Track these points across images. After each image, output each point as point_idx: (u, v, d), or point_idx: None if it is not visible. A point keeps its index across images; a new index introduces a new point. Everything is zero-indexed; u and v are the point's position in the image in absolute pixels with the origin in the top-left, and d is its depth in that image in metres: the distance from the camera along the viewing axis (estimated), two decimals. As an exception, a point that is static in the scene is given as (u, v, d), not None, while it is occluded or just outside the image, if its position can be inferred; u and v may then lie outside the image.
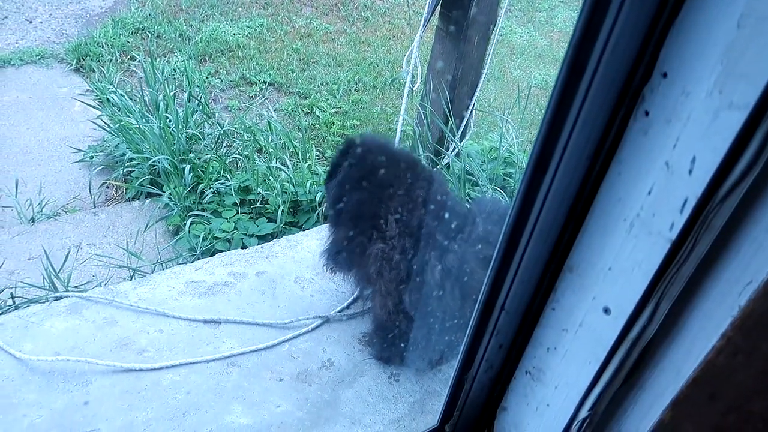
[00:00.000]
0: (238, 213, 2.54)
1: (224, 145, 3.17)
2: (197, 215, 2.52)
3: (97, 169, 3.04)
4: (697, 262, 0.59)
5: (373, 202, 1.32)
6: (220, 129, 3.14)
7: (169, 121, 2.99)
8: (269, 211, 2.56)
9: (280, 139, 3.12)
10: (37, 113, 3.49)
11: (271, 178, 2.71)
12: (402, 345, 1.36)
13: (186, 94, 3.33)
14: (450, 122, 2.72)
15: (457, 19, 2.50)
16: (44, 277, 1.99)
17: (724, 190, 0.52)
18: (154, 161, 2.77)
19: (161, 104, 3.09)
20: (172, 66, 4.02)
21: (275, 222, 2.47)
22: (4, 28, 4.42)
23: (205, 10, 4.94)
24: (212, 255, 1.80)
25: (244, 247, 2.24)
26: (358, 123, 3.85)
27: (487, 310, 0.84)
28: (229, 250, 2.15)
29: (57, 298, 1.52)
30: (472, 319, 0.87)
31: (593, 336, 0.73)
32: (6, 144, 3.18)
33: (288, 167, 2.76)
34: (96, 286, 1.66)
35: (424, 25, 2.54)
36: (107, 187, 2.98)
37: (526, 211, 0.71)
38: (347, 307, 1.56)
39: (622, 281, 0.66)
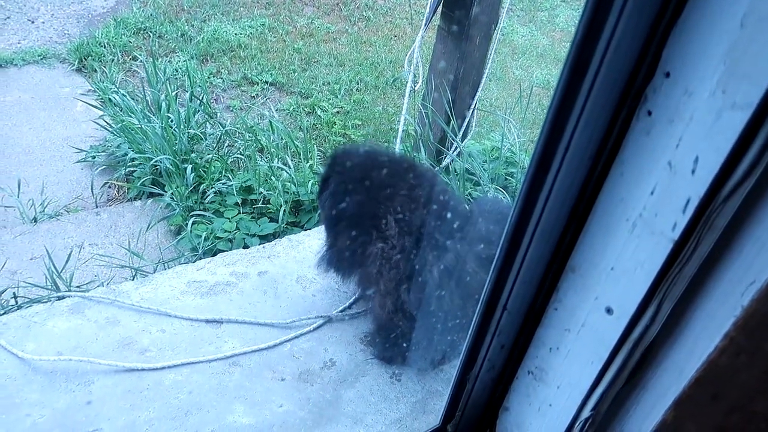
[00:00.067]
0: (239, 213, 2.54)
1: (226, 145, 3.17)
2: (199, 215, 2.53)
3: (99, 169, 3.04)
4: (699, 262, 0.59)
5: (365, 208, 1.34)
6: (221, 129, 3.14)
7: (171, 121, 3.00)
8: (271, 210, 2.56)
9: (282, 138, 3.12)
10: (40, 113, 3.50)
11: (272, 177, 2.71)
12: (404, 345, 1.36)
13: (188, 94, 3.33)
14: (452, 122, 2.72)
15: (459, 18, 2.50)
16: (46, 277, 2.00)
17: (727, 189, 0.52)
18: (156, 161, 2.77)
19: (163, 104, 3.10)
20: (174, 66, 4.03)
21: (277, 222, 2.48)
22: (7, 28, 4.43)
23: (207, 10, 4.94)
24: (214, 255, 1.80)
25: (245, 246, 2.24)
26: (360, 123, 3.85)
27: (489, 310, 0.84)
28: (231, 249, 2.15)
29: (59, 298, 1.52)
30: (474, 319, 0.87)
31: (596, 336, 0.73)
32: (8, 144, 3.19)
33: (290, 167, 2.76)
34: (98, 286, 1.66)
35: (425, 25, 2.54)
36: (109, 187, 2.98)
37: (528, 210, 0.71)
38: (349, 307, 1.56)
39: (624, 281, 0.66)
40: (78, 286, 2.05)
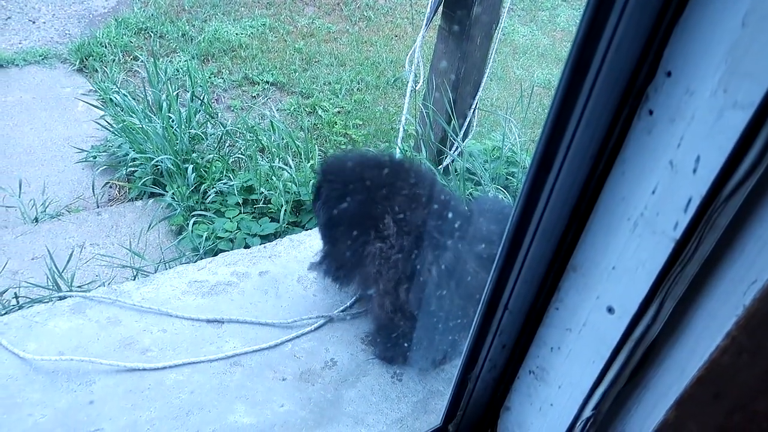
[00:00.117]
0: (240, 213, 2.54)
1: (227, 144, 3.17)
2: (200, 215, 2.53)
3: (100, 169, 3.05)
4: (701, 262, 0.59)
5: (359, 211, 1.34)
6: (222, 129, 3.15)
7: (172, 121, 3.00)
8: (272, 210, 2.56)
9: (283, 138, 3.12)
10: (41, 113, 3.51)
11: (273, 177, 2.71)
12: (405, 345, 1.36)
13: (189, 94, 3.34)
14: (453, 121, 2.72)
15: (460, 18, 2.50)
16: (48, 277, 2.00)
17: (729, 189, 0.52)
18: (157, 161, 2.77)
19: (164, 104, 3.10)
20: (175, 66, 4.03)
21: (278, 222, 2.48)
22: (8, 28, 4.44)
23: (208, 10, 4.95)
24: (215, 255, 1.80)
25: (247, 246, 2.24)
26: (361, 122, 3.85)
27: (491, 310, 0.84)
28: (232, 249, 2.15)
29: (60, 298, 1.52)
30: (475, 319, 0.87)
31: (597, 335, 0.73)
32: (9, 144, 3.20)
33: (291, 167, 2.77)
34: (99, 286, 1.67)
35: (426, 25, 2.54)
36: (110, 187, 2.98)
37: (529, 210, 0.70)
38: (350, 307, 1.56)
39: (626, 280, 0.66)
40: (79, 286, 2.06)
